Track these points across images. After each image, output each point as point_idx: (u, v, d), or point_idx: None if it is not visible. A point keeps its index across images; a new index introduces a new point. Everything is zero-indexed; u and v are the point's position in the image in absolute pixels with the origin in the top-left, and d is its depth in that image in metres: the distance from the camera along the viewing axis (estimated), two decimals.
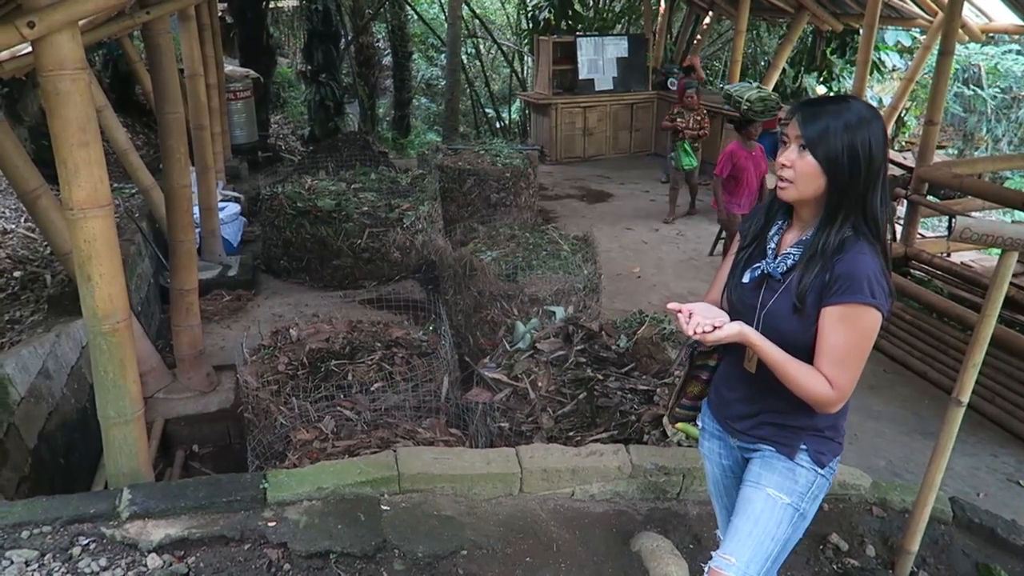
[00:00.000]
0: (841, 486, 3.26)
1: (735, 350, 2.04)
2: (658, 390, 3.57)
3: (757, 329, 1.94)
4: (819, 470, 2.05)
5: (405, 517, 2.78)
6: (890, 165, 8.08)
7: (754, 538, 2.03)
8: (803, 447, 2.03)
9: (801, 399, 1.91)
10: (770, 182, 6.36)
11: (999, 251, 2.44)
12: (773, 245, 2.00)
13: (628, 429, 3.43)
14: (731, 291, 2.08)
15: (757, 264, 2.01)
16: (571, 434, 3.46)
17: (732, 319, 2.01)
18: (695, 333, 1.82)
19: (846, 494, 3.27)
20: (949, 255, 7.08)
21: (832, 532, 3.11)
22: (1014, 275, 2.57)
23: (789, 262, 1.93)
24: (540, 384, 3.65)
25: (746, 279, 2.02)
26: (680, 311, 1.86)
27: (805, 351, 1.89)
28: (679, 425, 2.84)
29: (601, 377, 3.66)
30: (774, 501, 2.04)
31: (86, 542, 2.48)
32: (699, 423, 2.37)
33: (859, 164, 1.80)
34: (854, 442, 4.53)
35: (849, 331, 1.82)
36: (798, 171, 1.86)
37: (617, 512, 3.10)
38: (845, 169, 1.81)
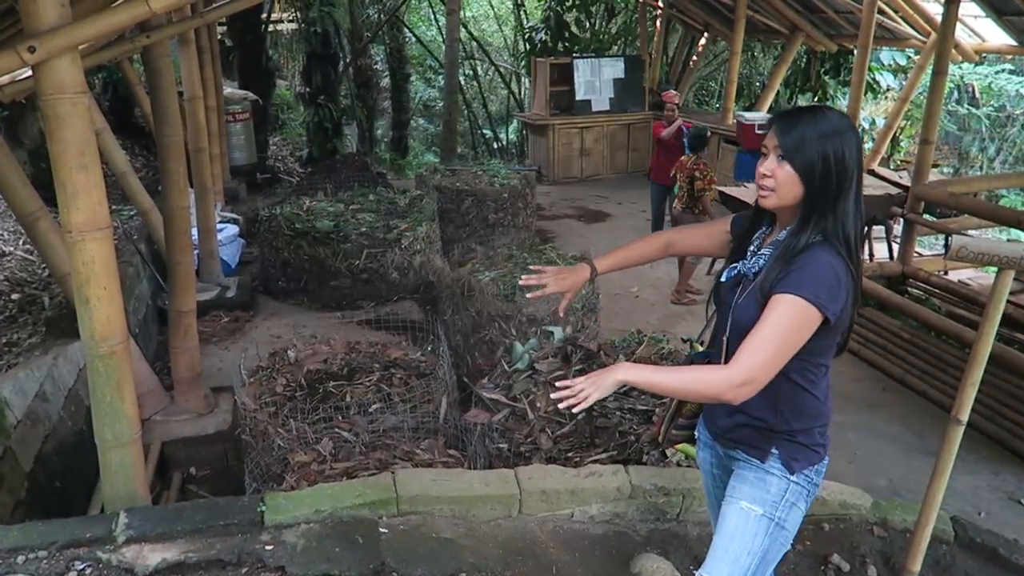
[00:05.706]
0: (842, 506, 3.24)
1: (718, 354, 2.07)
2: (657, 410, 3.56)
3: (727, 326, 2.02)
4: (790, 476, 2.04)
5: (403, 539, 2.76)
6: (886, 184, 8.09)
7: (730, 554, 2.04)
8: (774, 451, 2.04)
9: (775, 406, 1.98)
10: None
11: (996, 269, 2.45)
12: (753, 248, 2.06)
13: (627, 450, 3.42)
14: (715, 288, 2.15)
15: (734, 264, 2.08)
16: (570, 455, 3.45)
17: (717, 317, 2.14)
18: (573, 406, 1.82)
19: (847, 514, 3.26)
20: (946, 273, 7.10)
21: (833, 552, 3.09)
22: (1011, 293, 2.58)
23: (761, 262, 1.98)
24: (539, 404, 3.64)
25: (723, 278, 2.09)
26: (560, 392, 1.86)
27: None
28: (679, 445, 2.84)
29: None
30: (747, 514, 2.05)
31: (82, 567, 2.45)
32: (696, 434, 2.38)
33: (831, 172, 1.85)
34: (854, 461, 4.51)
35: (776, 318, 1.83)
36: (778, 180, 1.90)
37: (617, 533, 3.08)
38: (818, 177, 1.86)
